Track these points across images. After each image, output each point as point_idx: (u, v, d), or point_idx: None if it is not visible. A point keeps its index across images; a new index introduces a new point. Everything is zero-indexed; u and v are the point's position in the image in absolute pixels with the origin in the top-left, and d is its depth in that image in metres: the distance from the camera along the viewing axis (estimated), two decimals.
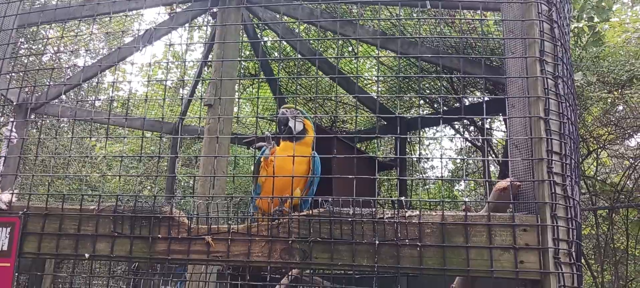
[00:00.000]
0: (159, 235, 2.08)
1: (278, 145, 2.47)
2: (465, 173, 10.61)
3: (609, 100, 7.12)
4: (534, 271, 1.75)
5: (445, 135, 10.69)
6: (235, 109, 9.06)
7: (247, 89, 8.88)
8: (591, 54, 7.02)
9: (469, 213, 1.87)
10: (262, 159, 2.29)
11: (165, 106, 8.42)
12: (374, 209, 1.96)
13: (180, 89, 9.18)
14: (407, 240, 1.89)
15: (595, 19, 7.28)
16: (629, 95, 7.17)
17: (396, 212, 1.94)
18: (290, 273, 4.06)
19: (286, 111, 2.50)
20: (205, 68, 7.75)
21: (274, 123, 8.58)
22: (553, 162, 1.86)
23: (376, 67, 9.26)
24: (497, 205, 1.94)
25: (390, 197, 8.38)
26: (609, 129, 7.47)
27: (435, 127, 10.02)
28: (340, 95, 8.82)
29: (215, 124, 4.65)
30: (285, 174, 2.16)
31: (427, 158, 10.95)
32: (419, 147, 8.92)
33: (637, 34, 8.54)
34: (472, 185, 10.82)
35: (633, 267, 7.53)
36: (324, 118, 8.60)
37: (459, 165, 11.94)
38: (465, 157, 10.66)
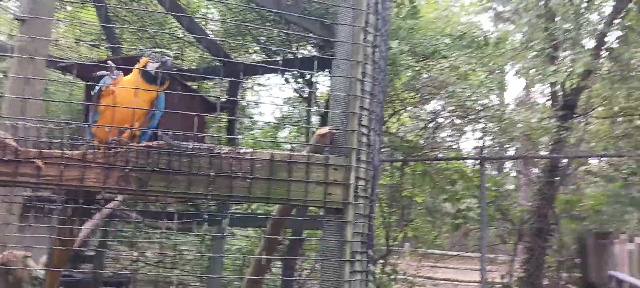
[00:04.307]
0: None
1: (124, 75, 2.43)
2: (290, 122, 11.30)
3: (417, 69, 8.28)
4: (338, 202, 2.18)
5: (276, 84, 11.16)
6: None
7: (68, 8, 7.99)
8: (408, 26, 7.98)
9: (293, 154, 2.21)
10: (103, 88, 2.28)
11: None
12: (211, 144, 2.17)
13: None
14: (240, 173, 2.15)
15: None
16: (431, 66, 8.45)
17: (232, 149, 2.18)
18: (108, 206, 3.98)
19: (171, 58, 2.38)
20: None
21: (98, 50, 7.95)
22: (363, 116, 2.29)
23: (214, 6, 9.15)
24: (317, 147, 2.32)
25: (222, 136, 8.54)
26: (413, 93, 8.74)
27: (267, 75, 10.39)
28: (174, 29, 8.55)
29: (28, 42, 4.21)
30: (128, 106, 2.21)
31: (255, 103, 11.35)
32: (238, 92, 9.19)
33: (445, 12, 10.01)
34: (294, 133, 11.59)
35: (415, 211, 9.16)
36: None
37: (285, 113, 12.65)
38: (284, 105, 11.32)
